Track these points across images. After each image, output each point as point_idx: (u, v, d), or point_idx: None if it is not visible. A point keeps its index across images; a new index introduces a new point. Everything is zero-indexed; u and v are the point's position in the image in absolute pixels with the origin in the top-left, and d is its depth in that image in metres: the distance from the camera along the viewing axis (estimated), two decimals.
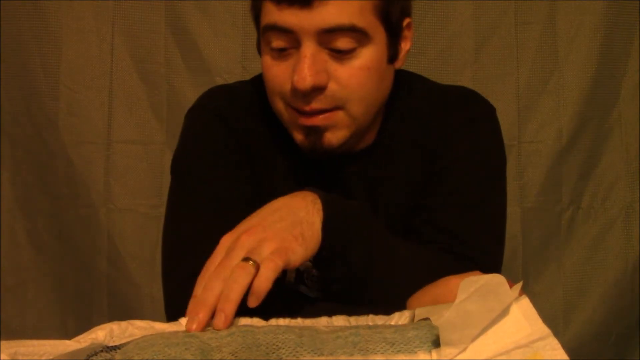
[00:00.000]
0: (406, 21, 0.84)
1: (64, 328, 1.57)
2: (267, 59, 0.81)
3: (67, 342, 0.50)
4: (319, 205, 0.70)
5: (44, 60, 1.54)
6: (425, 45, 1.57)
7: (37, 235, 1.58)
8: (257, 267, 0.61)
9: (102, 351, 0.51)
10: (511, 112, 1.58)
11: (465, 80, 1.57)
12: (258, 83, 0.89)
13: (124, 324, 0.54)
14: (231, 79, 1.52)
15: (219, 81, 1.53)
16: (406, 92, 0.90)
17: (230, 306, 0.57)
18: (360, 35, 0.76)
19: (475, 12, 1.58)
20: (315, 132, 0.80)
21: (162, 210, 0.90)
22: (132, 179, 1.57)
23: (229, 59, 1.56)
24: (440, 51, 1.58)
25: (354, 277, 0.73)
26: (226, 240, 0.65)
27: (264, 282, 0.59)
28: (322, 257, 0.70)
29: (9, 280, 1.56)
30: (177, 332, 0.53)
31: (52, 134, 1.55)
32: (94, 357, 0.50)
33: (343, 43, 0.76)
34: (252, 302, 0.59)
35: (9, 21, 1.53)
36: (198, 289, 0.61)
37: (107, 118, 1.57)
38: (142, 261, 1.56)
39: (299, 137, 0.82)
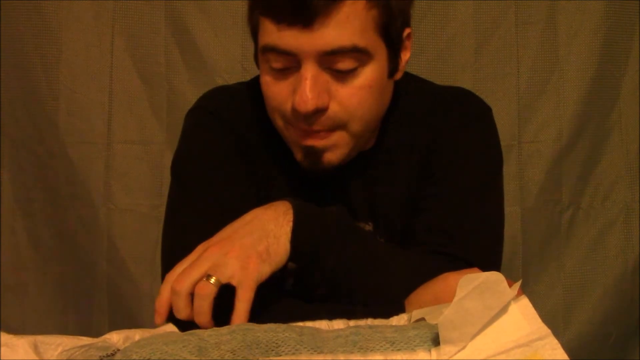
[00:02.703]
0: (406, 32, 0.83)
1: (64, 328, 1.57)
2: (267, 78, 0.80)
3: (81, 337, 0.54)
4: (289, 216, 0.71)
5: (44, 60, 1.54)
6: (425, 45, 1.57)
7: (37, 235, 1.58)
8: (218, 284, 0.65)
9: (113, 353, 0.52)
10: (511, 112, 1.58)
11: (465, 80, 1.57)
12: (257, 84, 0.89)
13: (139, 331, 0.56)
14: (231, 79, 1.53)
15: (219, 81, 1.53)
16: (403, 94, 0.89)
17: (205, 320, 0.65)
18: (361, 55, 0.75)
19: (475, 12, 1.58)
20: (315, 153, 0.80)
21: (162, 210, 0.90)
22: (132, 179, 1.57)
23: (229, 59, 1.56)
24: (440, 51, 1.58)
25: (332, 283, 0.74)
26: (199, 249, 0.69)
27: (242, 314, 0.65)
28: (296, 265, 0.72)
29: (9, 280, 1.56)
30: (176, 331, 0.54)
31: (52, 134, 1.55)
32: (107, 358, 0.52)
33: (344, 64, 0.75)
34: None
35: (9, 21, 1.53)
36: (165, 288, 0.67)
37: (107, 118, 1.57)
38: (142, 261, 1.56)
39: (298, 155, 0.82)
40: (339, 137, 0.79)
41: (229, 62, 1.56)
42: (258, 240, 0.69)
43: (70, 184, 1.56)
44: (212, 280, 0.65)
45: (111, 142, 1.57)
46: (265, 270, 0.68)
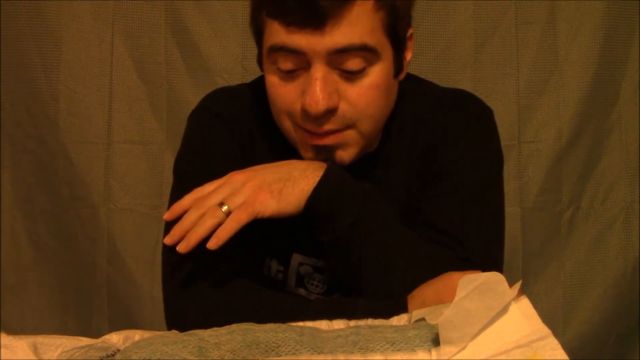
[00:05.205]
0: (409, 32, 0.84)
1: (64, 328, 1.57)
2: (274, 79, 0.80)
3: (81, 338, 0.54)
4: (319, 172, 0.74)
5: (44, 60, 1.54)
6: (425, 46, 1.57)
7: (37, 235, 1.58)
8: (228, 213, 0.71)
9: (113, 354, 0.52)
10: (511, 112, 1.58)
11: (465, 80, 1.57)
12: (260, 86, 0.89)
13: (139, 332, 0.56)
14: (231, 79, 1.53)
15: (219, 81, 1.54)
16: (406, 96, 0.90)
17: (194, 239, 0.71)
18: (370, 54, 0.76)
19: (475, 12, 1.57)
20: (327, 151, 0.80)
21: (162, 210, 0.90)
22: (132, 179, 1.57)
23: (229, 59, 1.56)
24: (440, 51, 1.58)
25: (337, 250, 0.76)
26: (230, 174, 0.75)
27: (226, 231, 0.70)
28: (311, 218, 0.75)
29: (9, 280, 1.56)
30: (175, 331, 0.54)
31: (52, 134, 1.56)
32: (107, 358, 0.52)
33: (353, 64, 0.75)
34: (211, 245, 0.70)
35: (9, 21, 1.53)
36: (190, 197, 0.74)
37: (107, 118, 1.57)
38: (142, 261, 1.56)
39: (308, 155, 0.82)
40: (348, 135, 0.79)
41: (229, 62, 1.56)
42: (277, 180, 0.74)
43: (70, 184, 1.56)
44: (224, 208, 0.72)
45: (111, 142, 1.57)
46: (270, 206, 0.72)
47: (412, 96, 0.90)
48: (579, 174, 1.60)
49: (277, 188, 0.73)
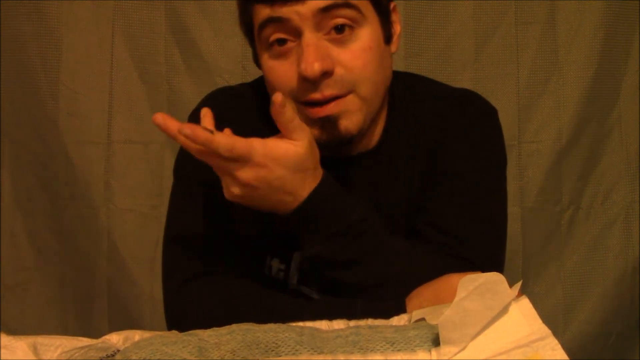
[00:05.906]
0: (392, 5, 0.85)
1: (64, 328, 1.57)
2: (269, 61, 0.80)
3: (81, 338, 0.54)
4: (303, 198, 0.73)
5: (44, 60, 1.54)
6: (425, 45, 1.57)
7: (37, 235, 1.58)
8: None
9: (113, 354, 0.52)
10: (511, 112, 1.58)
11: (465, 80, 1.57)
12: (260, 85, 0.89)
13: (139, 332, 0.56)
14: (231, 79, 1.53)
15: (219, 81, 1.54)
16: (409, 94, 0.90)
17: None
18: (354, 12, 0.77)
19: (475, 12, 1.57)
20: (331, 123, 0.80)
21: (162, 210, 0.90)
22: (132, 179, 1.57)
23: (229, 59, 1.56)
24: (440, 51, 1.58)
25: (331, 262, 0.75)
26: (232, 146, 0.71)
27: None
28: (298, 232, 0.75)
29: (9, 280, 1.56)
30: (175, 331, 0.54)
31: (52, 134, 1.55)
32: (107, 359, 0.52)
33: (341, 20, 0.77)
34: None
35: (9, 21, 1.53)
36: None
37: (107, 118, 1.57)
38: (142, 261, 1.56)
39: (314, 132, 0.81)
40: (349, 101, 0.80)
41: (229, 62, 1.56)
42: (269, 203, 0.73)
43: (70, 184, 1.56)
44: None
45: (111, 142, 1.57)
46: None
47: (417, 95, 0.90)
48: (579, 174, 1.60)
49: (263, 206, 0.74)
